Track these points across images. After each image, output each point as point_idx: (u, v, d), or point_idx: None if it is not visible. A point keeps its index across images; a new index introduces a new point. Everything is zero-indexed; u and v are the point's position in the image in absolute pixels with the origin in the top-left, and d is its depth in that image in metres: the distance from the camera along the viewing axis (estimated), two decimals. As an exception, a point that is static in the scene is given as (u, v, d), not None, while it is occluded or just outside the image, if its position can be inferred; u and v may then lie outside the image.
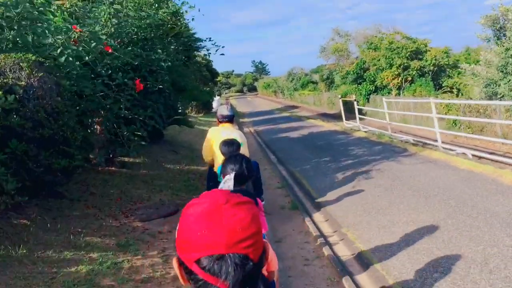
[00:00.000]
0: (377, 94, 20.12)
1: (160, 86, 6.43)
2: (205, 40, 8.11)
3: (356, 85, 21.22)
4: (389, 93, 19.47)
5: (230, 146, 3.08)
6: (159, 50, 6.59)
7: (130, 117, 5.80)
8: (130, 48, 6.02)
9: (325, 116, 24.10)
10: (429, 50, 18.07)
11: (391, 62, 17.58)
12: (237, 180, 1.97)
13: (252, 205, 0.79)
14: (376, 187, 6.73)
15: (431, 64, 17.43)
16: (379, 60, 18.03)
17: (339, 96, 16.39)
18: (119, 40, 6.14)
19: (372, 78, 19.73)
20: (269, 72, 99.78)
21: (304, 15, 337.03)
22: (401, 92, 18.25)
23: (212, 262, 0.72)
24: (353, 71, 20.47)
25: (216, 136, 3.98)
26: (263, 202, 3.19)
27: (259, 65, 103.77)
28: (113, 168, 6.98)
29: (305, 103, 36.68)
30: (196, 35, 9.20)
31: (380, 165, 8.23)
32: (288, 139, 14.07)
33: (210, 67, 34.62)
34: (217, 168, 3.62)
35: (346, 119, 16.04)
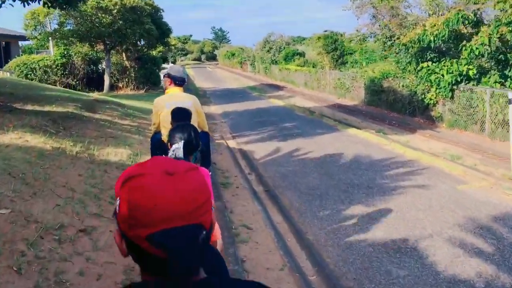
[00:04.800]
0: (474, 84, 10.45)
1: None
2: None
3: (426, 63, 11.24)
4: (502, 82, 9.80)
5: (181, 115, 2.74)
6: None
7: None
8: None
9: (350, 113, 14.02)
10: None
11: None
12: (186, 149, 1.88)
13: (199, 170, 0.74)
14: None
15: None
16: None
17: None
18: None
19: (476, 53, 9.83)
20: (230, 40, 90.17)
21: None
22: None
23: (165, 236, 0.64)
24: (437, 35, 10.28)
25: (162, 107, 3.64)
26: (210, 173, 3.02)
27: (219, 32, 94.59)
28: None
29: (290, 82, 26.53)
30: None
31: None
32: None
33: (158, 19, 22.73)
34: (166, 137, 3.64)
35: (404, 130, 6.12)
